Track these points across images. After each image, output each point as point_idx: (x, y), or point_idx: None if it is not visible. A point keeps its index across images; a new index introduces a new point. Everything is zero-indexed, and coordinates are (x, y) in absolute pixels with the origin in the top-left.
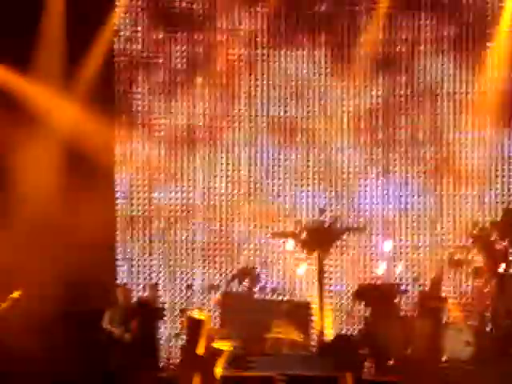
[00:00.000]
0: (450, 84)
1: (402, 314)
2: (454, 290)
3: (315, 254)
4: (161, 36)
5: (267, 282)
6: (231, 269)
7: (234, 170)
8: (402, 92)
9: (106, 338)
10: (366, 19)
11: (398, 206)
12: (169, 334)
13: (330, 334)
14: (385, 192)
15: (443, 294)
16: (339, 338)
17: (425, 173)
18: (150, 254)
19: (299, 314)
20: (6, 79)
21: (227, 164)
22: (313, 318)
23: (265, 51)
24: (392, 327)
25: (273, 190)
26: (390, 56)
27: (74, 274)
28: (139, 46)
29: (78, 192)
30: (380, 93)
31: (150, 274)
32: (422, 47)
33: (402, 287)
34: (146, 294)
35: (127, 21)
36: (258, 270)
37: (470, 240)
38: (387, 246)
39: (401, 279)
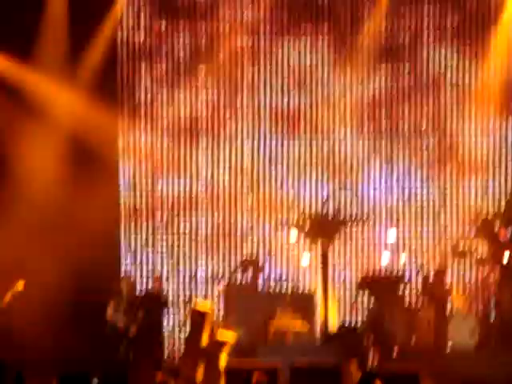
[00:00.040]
0: (453, 73)
1: (407, 303)
2: (458, 279)
3: (319, 244)
4: (164, 26)
5: (271, 272)
6: (235, 259)
7: (237, 161)
8: (406, 81)
9: (111, 330)
10: (369, 8)
11: (402, 196)
12: (173, 325)
13: (334, 324)
14: (388, 182)
15: (447, 283)
16: (343, 327)
17: (428, 162)
18: (154, 246)
19: (303, 303)
20: (8, 70)
21: (230, 154)
22: (317, 307)
23: (268, 41)
24: (396, 317)
25: (276, 180)
26: (393, 45)
27: (77, 264)
28: (142, 37)
29: (80, 183)
30: (383, 82)
31: (153, 265)
32: (425, 36)
33: (406, 277)
34: (150, 285)
35: (130, 11)
36: (261, 260)
37: (474, 229)
38: (391, 235)
39: (405, 269)
